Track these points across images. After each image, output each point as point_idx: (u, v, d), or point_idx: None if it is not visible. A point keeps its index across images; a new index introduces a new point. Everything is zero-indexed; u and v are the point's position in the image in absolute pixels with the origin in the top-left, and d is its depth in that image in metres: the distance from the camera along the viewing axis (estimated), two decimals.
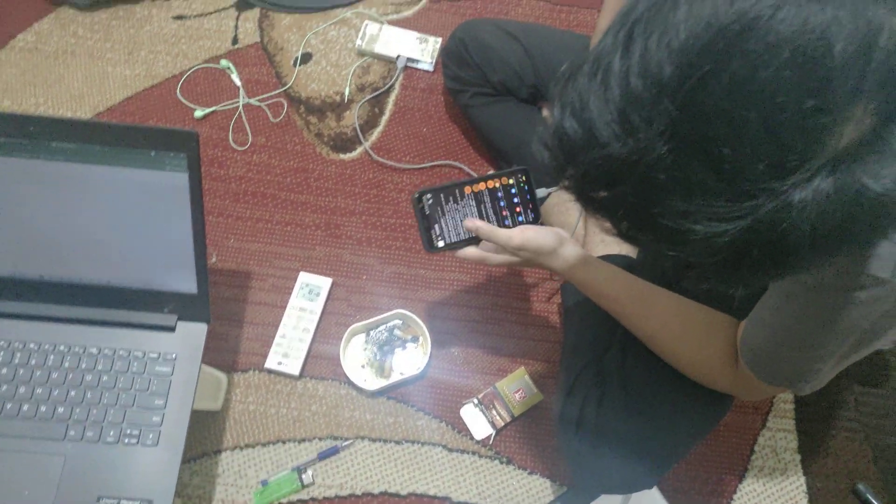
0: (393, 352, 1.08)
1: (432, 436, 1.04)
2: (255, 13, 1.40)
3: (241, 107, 1.29)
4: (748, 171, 0.38)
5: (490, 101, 1.19)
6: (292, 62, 1.35)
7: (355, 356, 1.07)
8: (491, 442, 1.04)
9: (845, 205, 0.39)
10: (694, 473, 1.04)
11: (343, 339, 1.06)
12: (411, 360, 1.07)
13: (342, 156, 1.26)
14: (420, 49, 1.35)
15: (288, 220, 1.19)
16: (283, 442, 1.03)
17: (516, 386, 1.07)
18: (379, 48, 1.34)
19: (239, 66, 1.33)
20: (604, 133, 0.42)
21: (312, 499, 0.99)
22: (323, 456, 1.01)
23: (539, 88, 1.15)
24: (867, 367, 1.13)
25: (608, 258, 0.98)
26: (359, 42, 1.35)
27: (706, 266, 0.44)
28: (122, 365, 0.88)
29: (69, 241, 0.86)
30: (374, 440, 1.03)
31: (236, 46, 1.36)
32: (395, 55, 1.34)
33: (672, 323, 0.81)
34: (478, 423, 1.05)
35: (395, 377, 1.05)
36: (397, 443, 1.03)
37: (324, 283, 1.12)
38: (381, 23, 1.38)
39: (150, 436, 0.85)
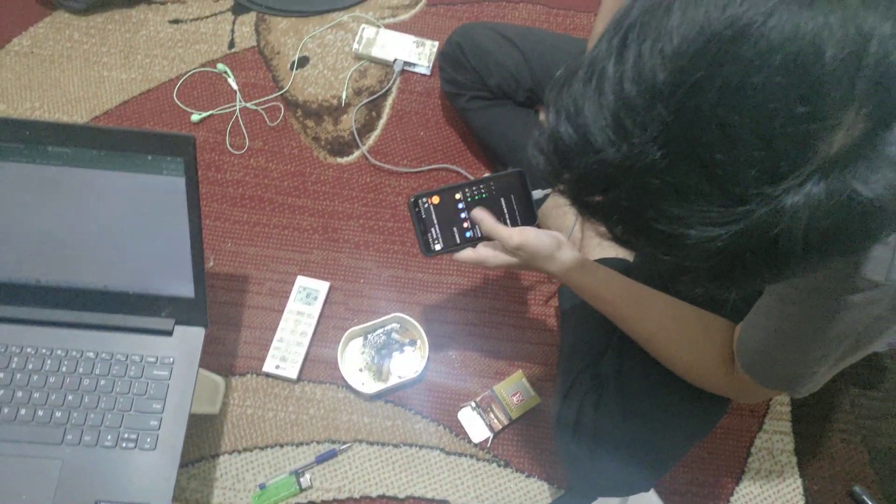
0: (391, 355, 1.08)
1: (430, 439, 1.04)
2: (251, 17, 1.41)
3: (237, 111, 1.29)
4: (741, 177, 0.38)
5: (487, 105, 1.19)
6: (289, 66, 1.35)
7: (353, 360, 1.07)
8: (489, 445, 1.04)
9: (837, 210, 0.39)
10: (691, 476, 1.04)
11: (341, 343, 1.06)
12: (409, 363, 1.07)
13: (339, 159, 1.26)
14: (417, 53, 1.35)
15: (285, 224, 1.19)
16: (281, 445, 1.03)
17: (514, 389, 1.07)
18: (376, 52, 1.34)
19: (235, 69, 1.33)
20: (598, 138, 0.42)
21: (310, 502, 0.99)
22: (321, 459, 1.01)
23: (536, 92, 1.15)
24: (863, 370, 1.13)
25: (605, 261, 0.98)
26: (356, 46, 1.35)
27: (700, 270, 0.45)
28: (119, 369, 0.88)
29: (66, 245, 0.85)
30: (371, 443, 1.03)
31: (233, 50, 1.36)
32: (392, 59, 1.34)
33: (669, 326, 0.81)
34: (475, 426, 1.05)
35: (392, 381, 1.05)
36: (395, 446, 1.04)
37: (321, 286, 1.12)
38: (378, 26, 1.39)
39: (148, 440, 0.85)
